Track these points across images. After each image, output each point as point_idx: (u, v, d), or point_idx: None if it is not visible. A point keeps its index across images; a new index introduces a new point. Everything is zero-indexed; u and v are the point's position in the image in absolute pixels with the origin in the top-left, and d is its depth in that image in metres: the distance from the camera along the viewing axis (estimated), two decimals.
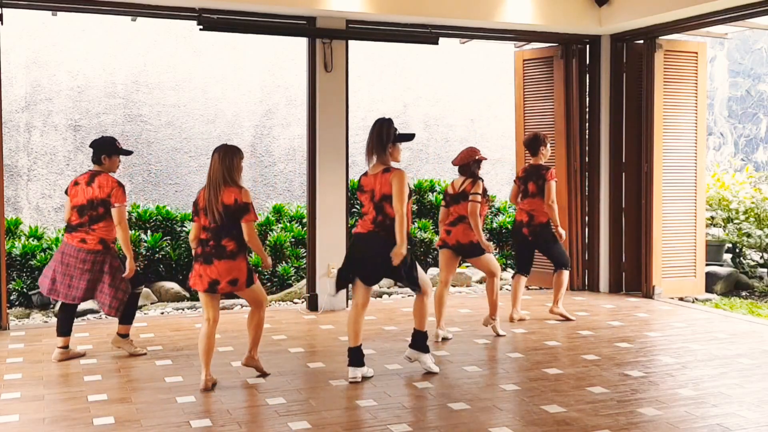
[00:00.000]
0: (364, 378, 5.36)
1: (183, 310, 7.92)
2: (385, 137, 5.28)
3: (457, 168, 6.52)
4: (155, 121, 9.66)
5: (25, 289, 7.85)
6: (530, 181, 7.13)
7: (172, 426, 4.44)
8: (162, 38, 9.68)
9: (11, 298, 7.80)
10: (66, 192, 5.88)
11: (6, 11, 6.92)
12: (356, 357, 5.37)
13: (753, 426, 4.44)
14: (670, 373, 5.53)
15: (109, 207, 5.71)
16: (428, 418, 4.60)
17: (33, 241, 8.20)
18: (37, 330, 6.91)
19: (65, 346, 5.86)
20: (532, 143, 7.20)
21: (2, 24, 6.77)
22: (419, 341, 5.56)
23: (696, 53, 8.52)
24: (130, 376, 5.44)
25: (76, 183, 5.84)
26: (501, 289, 8.76)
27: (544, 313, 7.51)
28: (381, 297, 8.65)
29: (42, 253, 7.97)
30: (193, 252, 5.20)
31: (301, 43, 8.39)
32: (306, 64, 7.85)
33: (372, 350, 6.16)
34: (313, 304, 7.76)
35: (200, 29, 7.30)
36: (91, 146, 5.92)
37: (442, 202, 6.60)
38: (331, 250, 7.71)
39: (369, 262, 5.29)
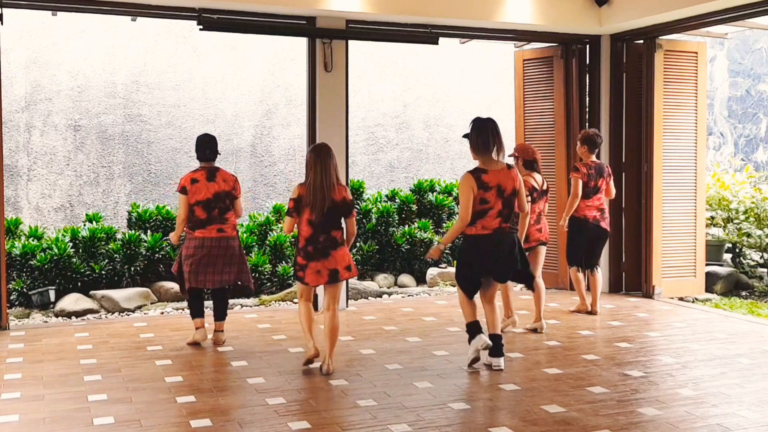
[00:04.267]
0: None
1: (183, 310, 7.92)
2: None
3: (522, 162, 6.65)
4: (155, 121, 9.66)
5: (25, 289, 7.85)
6: (600, 177, 7.29)
7: (172, 426, 4.44)
8: (162, 38, 9.68)
9: (11, 298, 7.79)
10: (183, 191, 6.13)
11: (6, 11, 6.92)
12: (476, 328, 5.60)
13: (753, 426, 4.44)
14: (670, 373, 5.53)
15: (233, 199, 6.22)
16: (428, 418, 4.60)
17: (33, 241, 8.20)
18: (37, 330, 6.91)
19: (221, 330, 6.40)
20: (597, 141, 7.32)
21: (2, 24, 6.77)
22: (501, 344, 5.68)
23: (696, 53, 8.52)
24: (130, 376, 5.44)
25: (194, 180, 6.14)
26: None
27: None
28: (381, 297, 8.65)
29: (42, 253, 7.97)
30: (285, 231, 5.48)
31: (301, 43, 8.39)
32: (306, 64, 7.85)
33: (372, 350, 6.16)
34: (313, 304, 7.73)
35: (200, 29, 7.30)
36: (206, 144, 6.25)
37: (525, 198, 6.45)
38: None
39: (505, 259, 5.52)
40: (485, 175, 5.44)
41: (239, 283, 6.35)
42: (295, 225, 5.46)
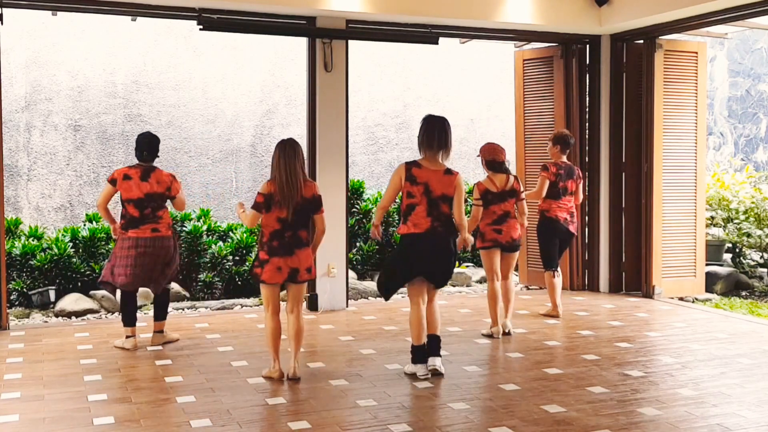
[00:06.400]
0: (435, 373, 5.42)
1: (183, 310, 7.93)
2: (451, 137, 5.43)
3: (484, 163, 6.56)
4: (155, 121, 9.66)
5: (25, 289, 7.85)
6: (570, 179, 7.26)
7: (172, 426, 4.44)
8: (162, 38, 9.68)
9: (11, 298, 7.79)
10: (112, 182, 6.05)
11: (6, 11, 6.92)
12: (421, 354, 5.42)
13: (753, 426, 4.44)
14: (670, 373, 5.53)
15: (166, 199, 6.14)
16: (428, 418, 4.60)
17: (33, 241, 8.20)
18: (37, 330, 6.91)
19: (160, 330, 6.34)
20: (570, 141, 7.30)
21: (2, 24, 6.77)
22: (439, 346, 5.53)
23: (696, 53, 8.52)
24: (130, 376, 5.44)
25: (126, 176, 6.04)
26: None
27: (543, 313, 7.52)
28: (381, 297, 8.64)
29: (42, 253, 7.97)
30: (257, 239, 5.37)
31: (301, 43, 8.39)
32: (306, 64, 7.85)
33: (372, 350, 6.16)
34: (313, 304, 7.76)
35: (200, 29, 7.30)
36: (144, 145, 6.13)
37: (478, 202, 6.48)
38: (331, 250, 7.70)
39: (439, 261, 5.35)
40: (417, 168, 5.32)
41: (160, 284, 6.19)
42: (259, 220, 5.22)
